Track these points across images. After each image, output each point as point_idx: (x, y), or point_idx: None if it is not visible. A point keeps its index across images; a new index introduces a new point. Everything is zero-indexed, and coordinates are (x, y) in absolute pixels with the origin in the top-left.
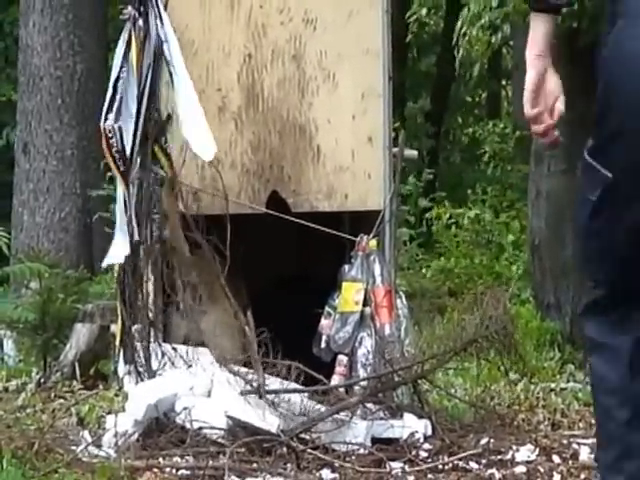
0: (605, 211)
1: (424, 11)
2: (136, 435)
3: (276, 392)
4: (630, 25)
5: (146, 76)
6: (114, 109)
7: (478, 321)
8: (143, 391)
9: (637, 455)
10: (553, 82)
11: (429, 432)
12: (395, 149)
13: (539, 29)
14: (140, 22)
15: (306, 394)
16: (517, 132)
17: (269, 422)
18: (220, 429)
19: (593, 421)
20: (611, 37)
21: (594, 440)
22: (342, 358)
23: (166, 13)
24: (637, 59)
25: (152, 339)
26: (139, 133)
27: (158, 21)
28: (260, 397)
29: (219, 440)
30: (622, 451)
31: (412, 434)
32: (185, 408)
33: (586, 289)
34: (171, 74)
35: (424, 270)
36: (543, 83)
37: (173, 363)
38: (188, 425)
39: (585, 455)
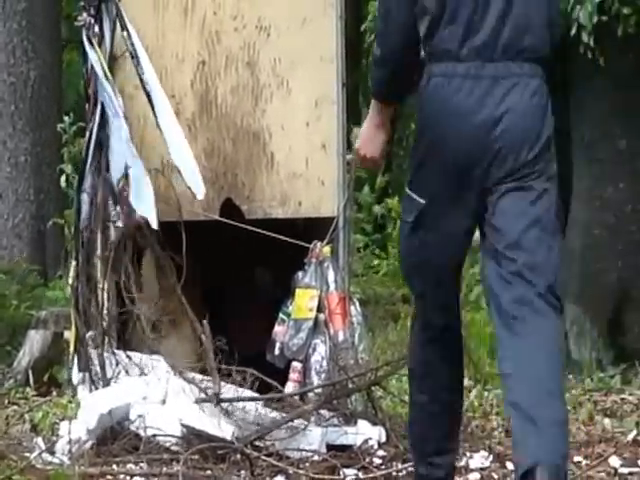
0: (419, 231)
1: None
2: (90, 442)
3: (231, 400)
4: (439, 83)
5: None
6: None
7: None
8: (97, 399)
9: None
10: (381, 140)
11: (383, 439)
12: (349, 156)
13: (385, 112)
14: (96, 28)
15: (261, 402)
16: None
17: (224, 430)
18: (174, 437)
19: None
20: (425, 89)
21: None
22: (296, 365)
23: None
24: (441, 108)
25: (106, 347)
26: (93, 140)
27: (118, 27)
28: (215, 405)
29: (173, 447)
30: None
31: (366, 441)
32: (139, 416)
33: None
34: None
35: (379, 274)
36: (374, 138)
37: (127, 371)
38: (142, 433)
39: None
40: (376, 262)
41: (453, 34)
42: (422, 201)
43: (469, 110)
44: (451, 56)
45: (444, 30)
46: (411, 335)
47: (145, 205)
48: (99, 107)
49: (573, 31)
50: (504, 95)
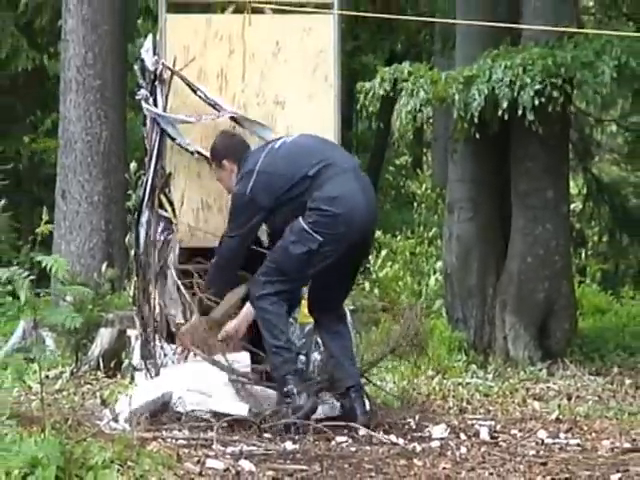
0: (316, 254)
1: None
2: (145, 414)
3: (255, 383)
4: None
5: (153, 142)
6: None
7: (400, 330)
8: (150, 382)
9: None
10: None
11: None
12: None
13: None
14: (150, 100)
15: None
16: (436, 189)
17: (240, 408)
18: (208, 412)
19: (490, 407)
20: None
21: (491, 423)
22: (301, 357)
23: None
24: (349, 190)
25: (157, 342)
26: (149, 184)
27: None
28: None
29: (208, 418)
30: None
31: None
32: (179, 397)
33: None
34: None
35: (365, 289)
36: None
37: (173, 361)
38: (182, 409)
39: (484, 433)
40: (361, 280)
41: None
42: (320, 238)
43: None
44: None
45: None
46: None
47: None
48: (154, 159)
49: (520, 112)
50: None
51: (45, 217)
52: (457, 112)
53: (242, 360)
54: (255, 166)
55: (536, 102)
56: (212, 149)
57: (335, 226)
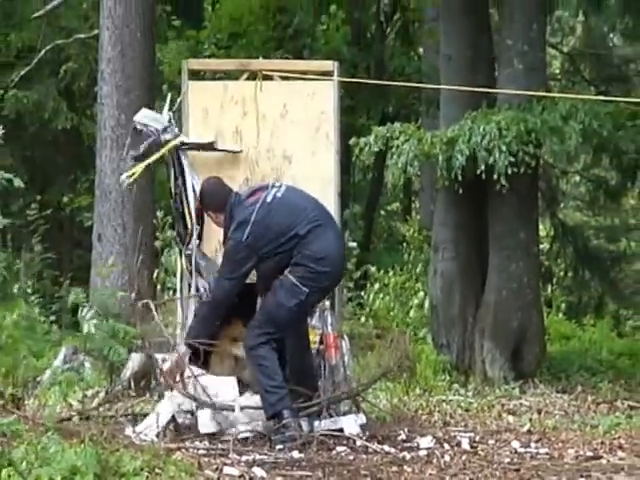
0: (304, 303)
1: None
2: (169, 426)
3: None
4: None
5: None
6: None
7: (390, 355)
8: (172, 401)
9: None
10: None
11: (361, 429)
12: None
13: None
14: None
15: None
16: (423, 231)
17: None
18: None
19: (470, 421)
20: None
21: (471, 434)
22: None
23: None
24: (331, 249)
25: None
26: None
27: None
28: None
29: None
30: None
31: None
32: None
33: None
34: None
35: (362, 319)
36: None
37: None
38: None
39: (465, 443)
40: (358, 310)
41: None
42: (306, 290)
43: None
44: None
45: None
46: None
47: None
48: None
49: (495, 176)
50: None
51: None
52: (440, 170)
53: (228, 383)
54: (250, 216)
55: (509, 171)
56: (200, 198)
57: (320, 281)
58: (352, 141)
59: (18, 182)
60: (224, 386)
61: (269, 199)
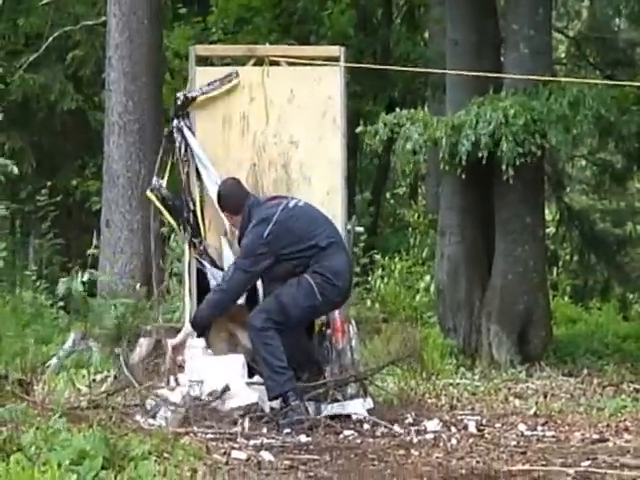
0: (316, 310)
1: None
2: (177, 411)
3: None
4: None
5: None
6: None
7: (399, 345)
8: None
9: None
10: None
11: (367, 412)
12: (349, 226)
13: None
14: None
15: None
16: (428, 216)
17: (251, 395)
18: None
19: (477, 404)
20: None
21: (478, 417)
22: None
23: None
24: (345, 267)
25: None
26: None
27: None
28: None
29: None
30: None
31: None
32: (210, 394)
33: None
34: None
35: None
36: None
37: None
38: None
39: (472, 427)
40: (365, 294)
41: None
42: (320, 298)
43: None
44: None
45: None
46: None
47: None
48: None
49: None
50: None
51: (95, 242)
52: (442, 153)
53: (237, 361)
54: (273, 216)
55: (517, 162)
56: (217, 199)
57: (333, 294)
58: (360, 129)
59: (13, 169)
60: (233, 364)
61: (291, 205)
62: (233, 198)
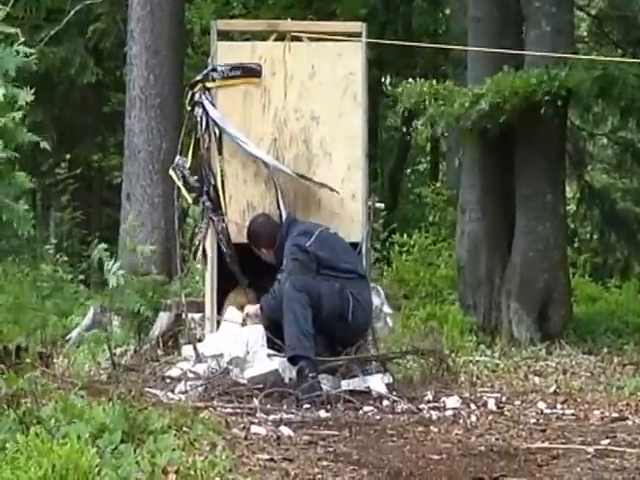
0: (348, 324)
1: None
2: (197, 385)
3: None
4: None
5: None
6: None
7: (422, 339)
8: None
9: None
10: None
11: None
12: (369, 202)
13: None
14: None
15: None
16: (449, 191)
17: (271, 365)
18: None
19: (497, 382)
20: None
21: (498, 395)
22: None
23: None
24: (371, 304)
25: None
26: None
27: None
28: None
29: (253, 389)
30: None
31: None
32: (226, 368)
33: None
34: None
35: (385, 280)
36: None
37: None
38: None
39: (492, 404)
40: (385, 272)
41: None
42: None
43: None
44: None
45: None
46: None
47: None
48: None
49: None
50: None
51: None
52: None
53: (257, 333)
54: (314, 232)
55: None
56: (248, 237)
57: (360, 320)
58: (389, 89)
59: (44, 144)
60: (253, 334)
61: (326, 230)
62: (265, 233)
